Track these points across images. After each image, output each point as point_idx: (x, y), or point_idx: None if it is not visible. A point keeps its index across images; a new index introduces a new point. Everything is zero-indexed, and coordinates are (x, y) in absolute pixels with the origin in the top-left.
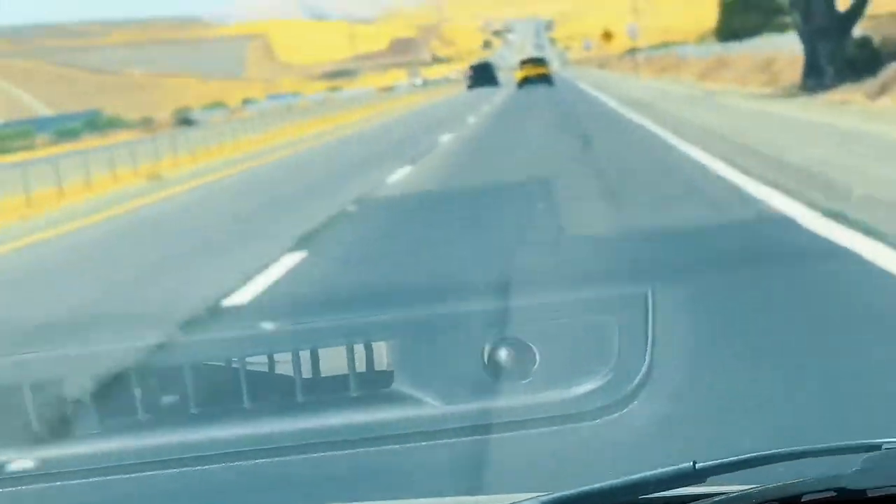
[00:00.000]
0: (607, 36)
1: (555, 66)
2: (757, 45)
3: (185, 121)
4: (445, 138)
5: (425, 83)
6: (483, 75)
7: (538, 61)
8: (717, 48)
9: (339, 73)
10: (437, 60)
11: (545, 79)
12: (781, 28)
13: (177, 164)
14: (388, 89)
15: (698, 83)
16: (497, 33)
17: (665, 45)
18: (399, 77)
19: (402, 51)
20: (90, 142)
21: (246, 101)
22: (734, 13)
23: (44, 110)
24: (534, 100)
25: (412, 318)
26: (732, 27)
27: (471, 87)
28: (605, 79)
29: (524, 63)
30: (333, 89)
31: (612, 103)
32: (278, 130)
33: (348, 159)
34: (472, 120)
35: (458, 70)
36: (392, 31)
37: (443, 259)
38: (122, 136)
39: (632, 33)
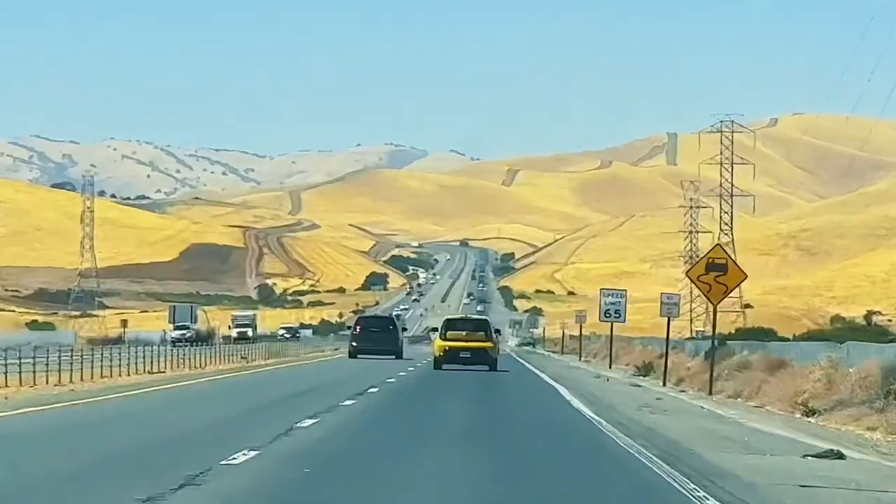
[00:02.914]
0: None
1: (511, 343)
2: None
3: None
4: None
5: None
6: (377, 337)
7: (476, 325)
8: None
9: (55, 296)
10: (264, 294)
11: (484, 358)
12: None
13: None
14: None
15: None
16: (406, 262)
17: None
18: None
19: (200, 264)
20: None
21: None
22: None
23: None
24: None
25: None
26: None
27: (354, 353)
28: None
29: (451, 324)
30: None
31: None
32: None
33: None
34: None
35: (308, 320)
36: (194, 229)
37: None
38: None
39: None
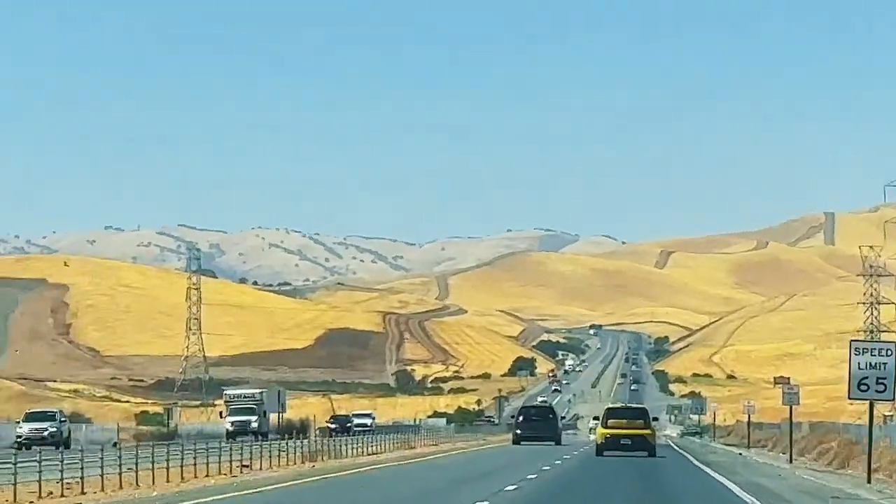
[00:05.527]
0: None
1: (670, 432)
2: None
3: None
4: None
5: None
6: (539, 425)
7: (636, 413)
8: None
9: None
10: (402, 381)
11: (644, 445)
12: None
13: None
14: None
15: None
16: (556, 347)
17: None
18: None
19: (336, 350)
20: None
21: None
22: None
23: None
24: None
25: None
26: None
27: (517, 440)
28: None
29: (612, 413)
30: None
31: None
32: None
33: None
34: None
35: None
36: (332, 315)
37: None
38: None
39: None
